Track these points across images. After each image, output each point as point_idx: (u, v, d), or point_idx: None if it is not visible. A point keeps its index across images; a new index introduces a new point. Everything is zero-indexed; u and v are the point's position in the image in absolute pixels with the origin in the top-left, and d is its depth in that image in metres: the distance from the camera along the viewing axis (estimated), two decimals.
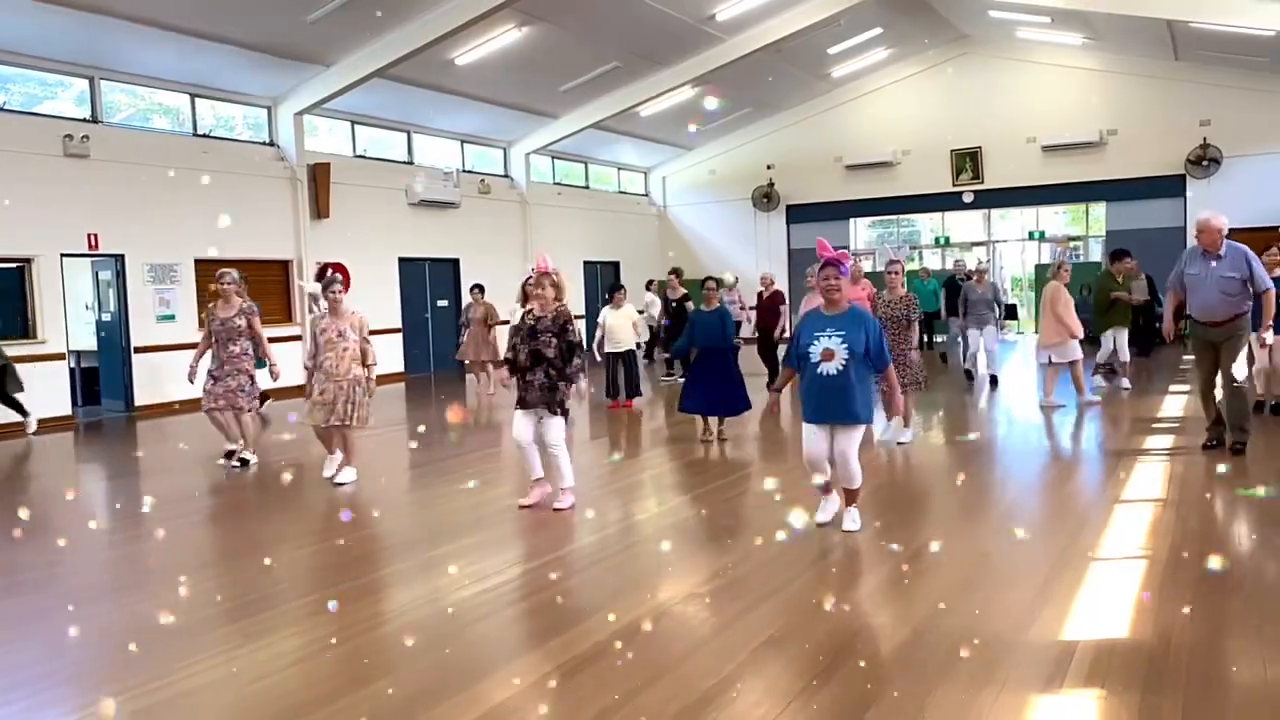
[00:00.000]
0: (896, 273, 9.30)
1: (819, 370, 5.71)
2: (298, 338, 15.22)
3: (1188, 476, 7.22)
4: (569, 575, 5.46)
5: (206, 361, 8.96)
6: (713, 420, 9.71)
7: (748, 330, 15.28)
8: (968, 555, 5.47)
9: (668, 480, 8.25)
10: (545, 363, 6.64)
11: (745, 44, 18.22)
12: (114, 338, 13.87)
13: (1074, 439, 9.59)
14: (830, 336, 5.70)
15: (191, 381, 8.95)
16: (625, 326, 12.49)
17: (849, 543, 5.74)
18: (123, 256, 13.64)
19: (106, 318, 14.01)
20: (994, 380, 13.24)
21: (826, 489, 6.11)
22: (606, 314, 12.66)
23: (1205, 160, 20.25)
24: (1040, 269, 21.23)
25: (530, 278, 10.55)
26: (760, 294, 14.26)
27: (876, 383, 6.06)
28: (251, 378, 8.98)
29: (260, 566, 5.70)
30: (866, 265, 23.38)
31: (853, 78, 22.73)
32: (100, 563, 6.16)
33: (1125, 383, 12.23)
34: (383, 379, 12.60)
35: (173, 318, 14.12)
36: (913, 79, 22.84)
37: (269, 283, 15.43)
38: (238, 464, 8.86)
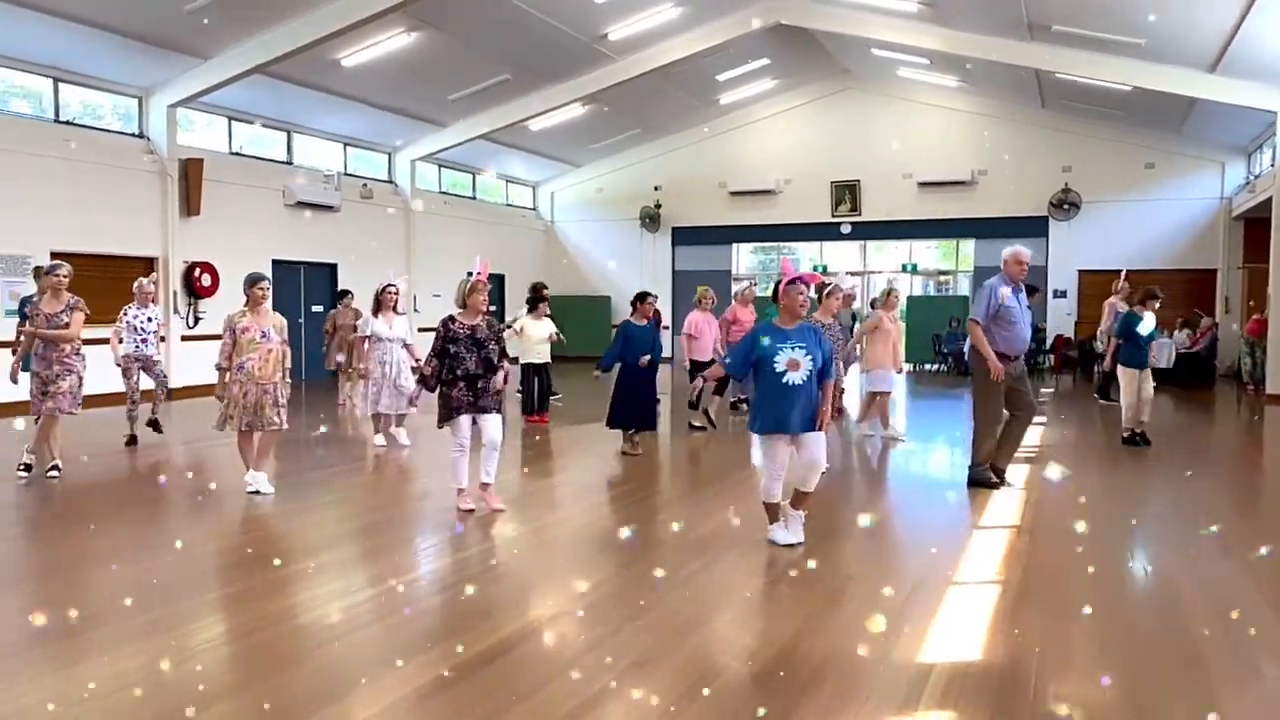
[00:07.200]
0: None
1: (784, 380, 5.84)
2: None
3: (1043, 503, 7.55)
4: (437, 592, 5.35)
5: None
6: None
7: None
8: (833, 576, 5.58)
9: (566, 494, 8.18)
10: (492, 368, 6.91)
11: (636, 65, 18.36)
12: None
13: (939, 467, 9.92)
14: (794, 349, 5.86)
15: (15, 381, 8.32)
16: (545, 338, 12.27)
17: (715, 563, 5.78)
18: None
19: None
20: None
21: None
22: (527, 323, 12.27)
23: (1066, 204, 21.35)
24: (913, 300, 21.98)
25: (392, 286, 10.37)
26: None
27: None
28: (81, 379, 8.27)
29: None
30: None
31: (740, 105, 23.16)
32: None
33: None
34: None
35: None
36: (797, 110, 23.44)
37: (132, 280, 14.61)
38: (55, 474, 8.06)
